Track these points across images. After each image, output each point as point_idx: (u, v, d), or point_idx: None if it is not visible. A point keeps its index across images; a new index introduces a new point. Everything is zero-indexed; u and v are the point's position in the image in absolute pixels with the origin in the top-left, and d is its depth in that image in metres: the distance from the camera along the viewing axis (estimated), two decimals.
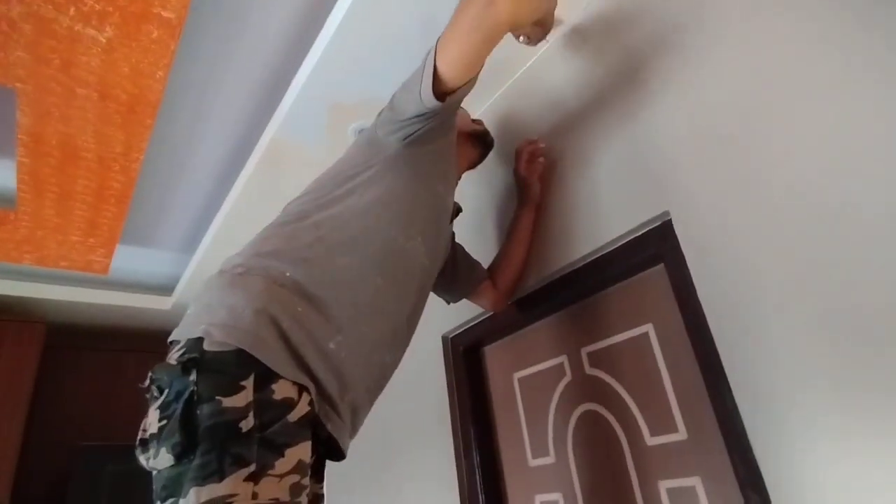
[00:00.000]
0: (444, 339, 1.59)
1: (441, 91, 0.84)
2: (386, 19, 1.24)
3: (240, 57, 1.49)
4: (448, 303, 1.31)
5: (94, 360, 2.73)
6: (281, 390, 0.68)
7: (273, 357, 0.69)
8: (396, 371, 1.74)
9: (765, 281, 0.84)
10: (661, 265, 1.06)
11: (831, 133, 0.79)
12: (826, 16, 0.82)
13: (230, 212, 1.98)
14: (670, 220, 1.00)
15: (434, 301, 1.61)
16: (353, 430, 0.84)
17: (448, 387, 1.52)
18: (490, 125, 1.40)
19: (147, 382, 0.70)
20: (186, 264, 2.49)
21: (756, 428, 0.81)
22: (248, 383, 0.65)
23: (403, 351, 0.97)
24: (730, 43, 0.95)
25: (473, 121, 1.29)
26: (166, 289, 2.69)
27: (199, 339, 0.68)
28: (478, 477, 1.37)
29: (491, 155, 1.32)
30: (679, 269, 0.98)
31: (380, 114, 0.99)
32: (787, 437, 0.77)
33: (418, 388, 1.63)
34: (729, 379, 0.86)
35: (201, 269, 2.39)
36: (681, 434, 1.00)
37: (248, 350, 0.67)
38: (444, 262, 1.14)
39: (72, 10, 1.18)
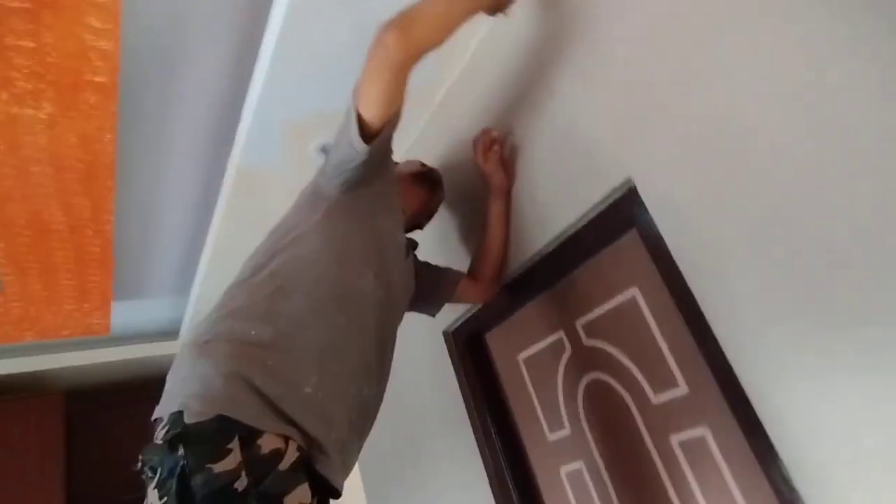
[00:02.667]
0: (446, 334, 1.61)
1: (368, 134, 0.90)
2: (319, 32, 1.22)
3: (185, 98, 1.48)
4: (432, 316, 1.34)
5: (117, 416, 2.78)
6: (267, 444, 0.70)
7: (251, 414, 0.71)
8: (410, 374, 1.78)
9: (730, 228, 0.84)
10: (634, 229, 1.07)
11: (773, 71, 0.79)
12: None
13: (216, 245, 1.99)
14: (634, 186, 1.01)
15: None
16: (344, 466, 0.86)
17: (458, 379, 1.55)
18: (438, 129, 1.40)
19: (139, 465, 0.73)
20: (184, 306, 2.51)
21: (745, 373, 0.83)
22: (234, 445, 0.68)
23: (382, 382, 1.00)
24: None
25: (422, 164, 1.33)
26: (170, 333, 2.72)
27: (180, 413, 0.71)
28: (502, 459, 1.41)
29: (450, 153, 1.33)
30: (650, 231, 0.99)
31: (322, 164, 1.04)
32: (772, 379, 0.79)
33: (431, 386, 1.66)
34: (713, 329, 0.88)
35: (200, 306, 2.41)
36: (682, 388, 1.02)
37: (226, 414, 0.70)
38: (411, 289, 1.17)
39: (4, 95, 1.16)
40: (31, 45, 1.08)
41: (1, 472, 2.28)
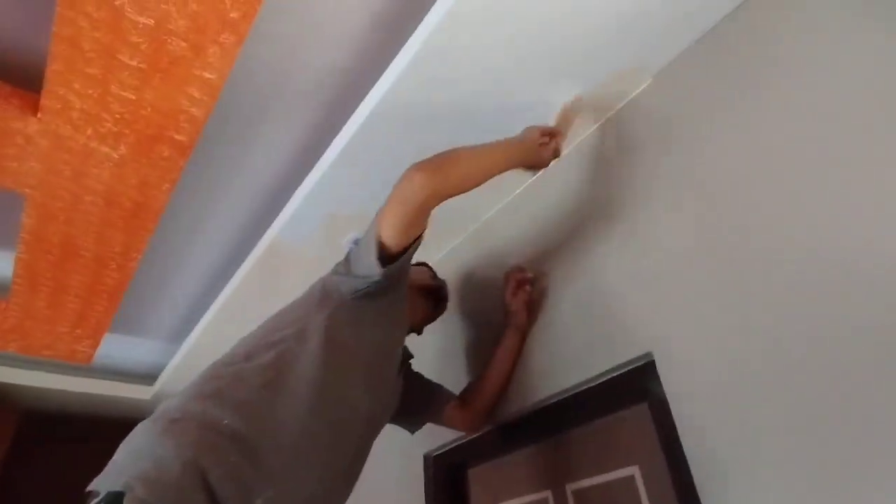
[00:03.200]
0: (427, 457, 1.53)
1: (388, 255, 0.95)
2: (384, 146, 1.32)
3: (246, 168, 1.58)
4: (411, 433, 1.30)
5: (68, 449, 2.60)
6: None
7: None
8: (376, 486, 1.67)
9: (749, 432, 0.83)
10: (645, 404, 1.05)
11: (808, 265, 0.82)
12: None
13: (224, 305, 1.98)
14: (653, 361, 1.00)
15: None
16: None
17: None
18: (473, 247, 1.45)
19: None
20: (173, 354, 2.46)
21: None
22: None
23: (348, 492, 0.95)
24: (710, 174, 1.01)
25: (433, 277, 1.36)
26: (150, 377, 2.63)
27: (120, 494, 0.67)
28: None
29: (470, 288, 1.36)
30: (662, 411, 0.97)
31: (338, 264, 1.06)
32: None
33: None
34: None
35: (187, 361, 2.35)
36: None
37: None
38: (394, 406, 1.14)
39: (89, 131, 1.25)
40: (132, 97, 1.18)
41: None
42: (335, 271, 1.05)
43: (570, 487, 1.17)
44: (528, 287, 1.28)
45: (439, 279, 1.38)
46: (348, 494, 0.95)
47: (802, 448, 0.76)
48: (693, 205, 1.02)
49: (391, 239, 0.94)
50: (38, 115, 1.21)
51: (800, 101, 0.90)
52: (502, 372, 1.26)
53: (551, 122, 1.25)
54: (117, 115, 1.22)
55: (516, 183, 1.47)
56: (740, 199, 0.94)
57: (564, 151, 1.31)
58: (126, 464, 0.73)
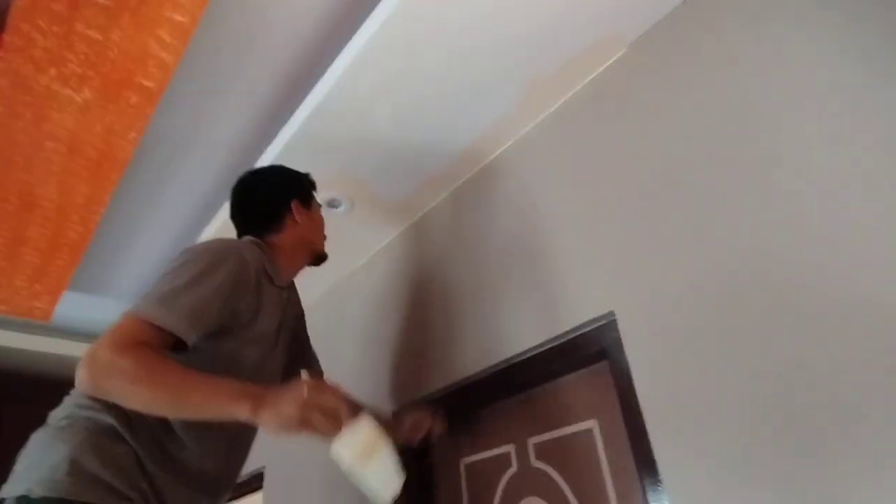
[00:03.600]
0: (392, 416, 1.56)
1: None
2: (360, 105, 1.30)
3: (214, 123, 1.54)
4: None
5: (21, 410, 2.54)
6: None
7: (91, 495, 0.81)
8: None
9: (703, 383, 0.88)
10: (606, 362, 1.09)
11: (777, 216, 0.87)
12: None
13: None
14: (615, 320, 1.05)
15: (383, 376, 1.61)
16: None
17: None
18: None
19: None
20: None
21: None
22: None
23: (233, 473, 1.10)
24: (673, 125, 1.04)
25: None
26: None
27: (24, 497, 0.80)
28: None
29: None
30: (621, 368, 1.02)
31: None
32: None
33: None
34: (663, 483, 0.88)
35: None
36: None
37: (67, 497, 0.80)
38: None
39: (52, 71, 1.20)
40: (98, 37, 1.14)
41: None
42: None
43: (532, 441, 1.21)
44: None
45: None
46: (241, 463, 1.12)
47: (752, 398, 0.82)
48: (657, 171, 1.05)
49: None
50: (0, 52, 1.15)
51: (771, 74, 0.93)
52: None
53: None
54: (82, 56, 1.18)
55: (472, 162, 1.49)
56: (704, 169, 0.98)
57: None
58: (24, 474, 0.85)
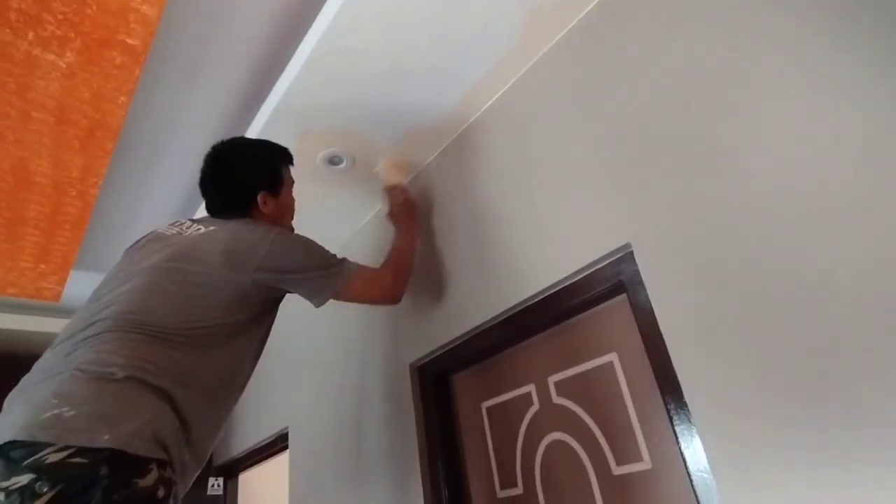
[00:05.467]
0: (412, 367, 1.57)
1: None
2: (354, 51, 1.25)
3: (206, 82, 1.49)
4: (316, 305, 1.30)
5: None
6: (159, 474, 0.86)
7: (166, 455, 0.88)
8: (366, 400, 1.72)
9: (724, 310, 0.87)
10: (624, 295, 1.08)
11: (784, 152, 0.84)
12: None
13: None
14: (632, 252, 1.03)
15: (403, 329, 1.61)
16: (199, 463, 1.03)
17: (416, 416, 1.50)
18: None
19: (16, 483, 0.74)
20: None
21: (716, 460, 0.83)
22: (153, 465, 0.84)
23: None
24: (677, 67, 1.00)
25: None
26: None
27: (105, 448, 0.79)
28: None
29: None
30: (640, 299, 1.01)
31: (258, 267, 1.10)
32: (742, 472, 0.79)
33: (388, 417, 1.60)
34: (690, 409, 0.88)
35: None
36: (645, 463, 1.01)
37: (152, 456, 0.84)
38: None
39: (30, 35, 1.15)
40: None
41: None
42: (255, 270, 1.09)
43: (552, 379, 1.22)
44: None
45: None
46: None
47: (775, 317, 0.80)
48: (661, 100, 1.01)
49: (342, 296, 1.23)
50: None
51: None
52: (396, 246, 1.45)
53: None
54: (60, 16, 1.12)
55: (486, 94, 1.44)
56: (712, 93, 0.94)
57: None
58: (97, 425, 0.81)
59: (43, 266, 1.96)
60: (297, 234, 1.24)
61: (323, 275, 1.18)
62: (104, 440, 0.79)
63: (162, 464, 0.85)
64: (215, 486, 2.73)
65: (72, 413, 0.80)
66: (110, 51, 1.20)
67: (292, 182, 1.34)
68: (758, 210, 0.85)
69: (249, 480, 2.81)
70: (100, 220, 1.91)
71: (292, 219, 1.36)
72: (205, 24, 1.31)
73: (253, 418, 2.42)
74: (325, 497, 1.82)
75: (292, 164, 1.35)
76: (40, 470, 0.74)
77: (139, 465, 0.82)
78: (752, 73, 0.90)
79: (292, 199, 1.35)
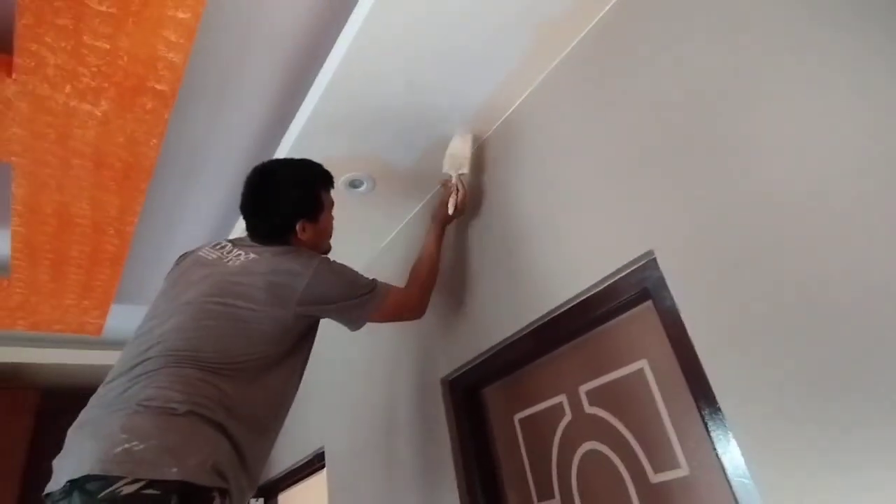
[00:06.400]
0: (443, 381, 1.59)
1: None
2: (369, 79, 1.29)
3: (231, 114, 1.55)
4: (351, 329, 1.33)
5: None
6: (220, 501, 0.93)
7: (221, 483, 0.92)
8: (399, 417, 1.75)
9: (752, 312, 0.87)
10: (650, 301, 1.09)
11: (798, 149, 0.84)
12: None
13: None
14: (655, 258, 1.04)
15: (432, 345, 1.64)
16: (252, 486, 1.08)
17: (450, 430, 1.52)
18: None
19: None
20: None
21: (754, 463, 0.82)
22: (216, 493, 0.91)
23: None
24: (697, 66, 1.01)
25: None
26: None
27: (176, 481, 0.85)
28: None
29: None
30: (666, 305, 1.01)
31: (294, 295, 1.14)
32: (780, 475, 0.78)
33: (422, 432, 1.62)
34: (724, 412, 0.88)
35: None
36: (683, 469, 1.01)
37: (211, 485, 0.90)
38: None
39: (67, 88, 1.23)
40: (106, 46, 1.15)
41: None
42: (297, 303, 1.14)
43: (583, 389, 1.23)
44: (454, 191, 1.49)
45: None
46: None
47: (805, 320, 0.80)
48: (681, 102, 1.02)
49: (374, 318, 1.29)
50: (14, 75, 1.18)
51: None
52: (426, 256, 1.46)
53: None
54: (94, 68, 1.19)
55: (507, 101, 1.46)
56: (733, 97, 0.95)
57: None
58: (162, 457, 0.86)
59: (86, 302, 2.05)
60: (335, 263, 1.24)
61: (358, 303, 1.22)
62: (173, 473, 0.85)
63: (223, 492, 0.92)
64: None
65: (141, 447, 0.85)
66: (141, 97, 1.27)
67: (332, 204, 1.35)
68: (784, 210, 0.85)
69: (290, 500, 2.85)
70: (136, 255, 1.99)
71: (330, 239, 1.37)
72: (226, 58, 1.37)
73: (290, 438, 2.47)
74: (359, 495, 1.84)
75: (332, 186, 1.35)
76: (115, 502, 0.80)
77: (204, 494, 0.88)
78: (767, 76, 0.90)
79: (331, 222, 1.35)
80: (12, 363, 2.36)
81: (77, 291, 1.97)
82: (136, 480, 0.81)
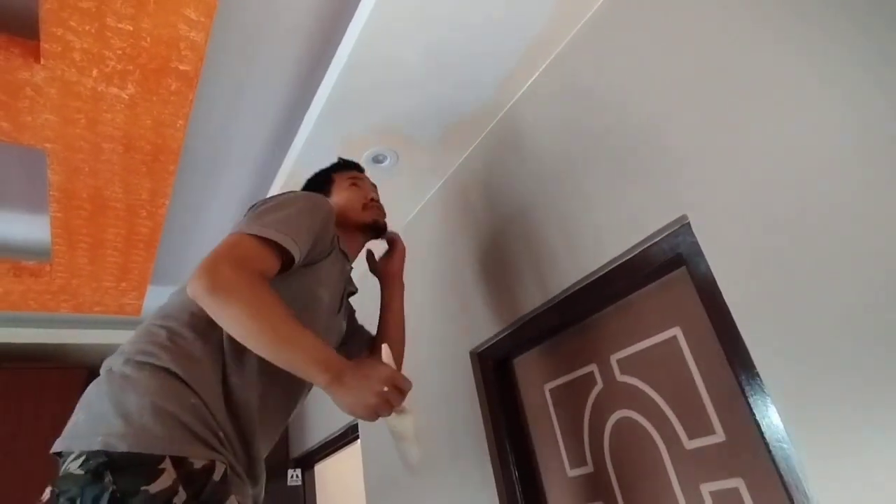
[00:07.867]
0: (472, 354, 1.60)
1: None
2: (389, 52, 1.28)
3: (253, 98, 1.55)
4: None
5: None
6: (198, 460, 0.74)
7: (182, 448, 0.73)
8: (429, 389, 1.77)
9: (788, 274, 0.84)
10: (684, 268, 1.06)
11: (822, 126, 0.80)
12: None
13: None
14: (689, 223, 1.01)
15: (460, 317, 1.64)
16: (255, 480, 0.89)
17: (480, 402, 1.54)
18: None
19: (48, 496, 0.69)
20: None
21: (792, 429, 0.81)
22: (167, 464, 0.70)
23: (295, 408, 1.05)
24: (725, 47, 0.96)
25: (365, 205, 1.25)
26: None
27: (100, 451, 0.69)
28: (518, 491, 1.37)
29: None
30: (701, 271, 0.99)
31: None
32: (825, 435, 0.77)
33: (452, 405, 1.64)
34: (762, 377, 0.86)
35: None
36: (719, 436, 1.00)
37: (154, 452, 0.71)
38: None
39: (94, 72, 1.24)
40: (130, 28, 1.15)
41: (9, 438, 2.31)
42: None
43: (614, 357, 1.22)
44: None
45: (375, 217, 1.28)
46: (299, 401, 1.06)
47: (844, 280, 0.77)
48: (710, 64, 0.97)
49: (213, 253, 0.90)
50: (42, 61, 1.20)
51: None
52: (398, 322, 1.29)
53: None
54: (119, 51, 1.20)
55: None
56: (764, 56, 0.90)
57: None
58: (94, 424, 0.74)
59: (124, 284, 2.12)
60: (306, 202, 1.00)
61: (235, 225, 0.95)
62: (97, 442, 0.73)
63: (179, 462, 0.73)
64: (294, 477, 2.89)
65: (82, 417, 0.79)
66: (166, 78, 1.28)
67: (351, 180, 1.28)
68: (818, 170, 0.81)
69: (325, 471, 2.95)
70: (169, 236, 2.04)
71: (359, 213, 1.24)
72: (246, 43, 1.36)
73: (324, 410, 2.54)
74: (399, 485, 1.89)
75: (352, 167, 1.33)
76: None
77: (142, 464, 0.71)
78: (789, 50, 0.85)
79: (350, 196, 1.25)
80: (58, 344, 2.47)
81: (115, 273, 2.04)
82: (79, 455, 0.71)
